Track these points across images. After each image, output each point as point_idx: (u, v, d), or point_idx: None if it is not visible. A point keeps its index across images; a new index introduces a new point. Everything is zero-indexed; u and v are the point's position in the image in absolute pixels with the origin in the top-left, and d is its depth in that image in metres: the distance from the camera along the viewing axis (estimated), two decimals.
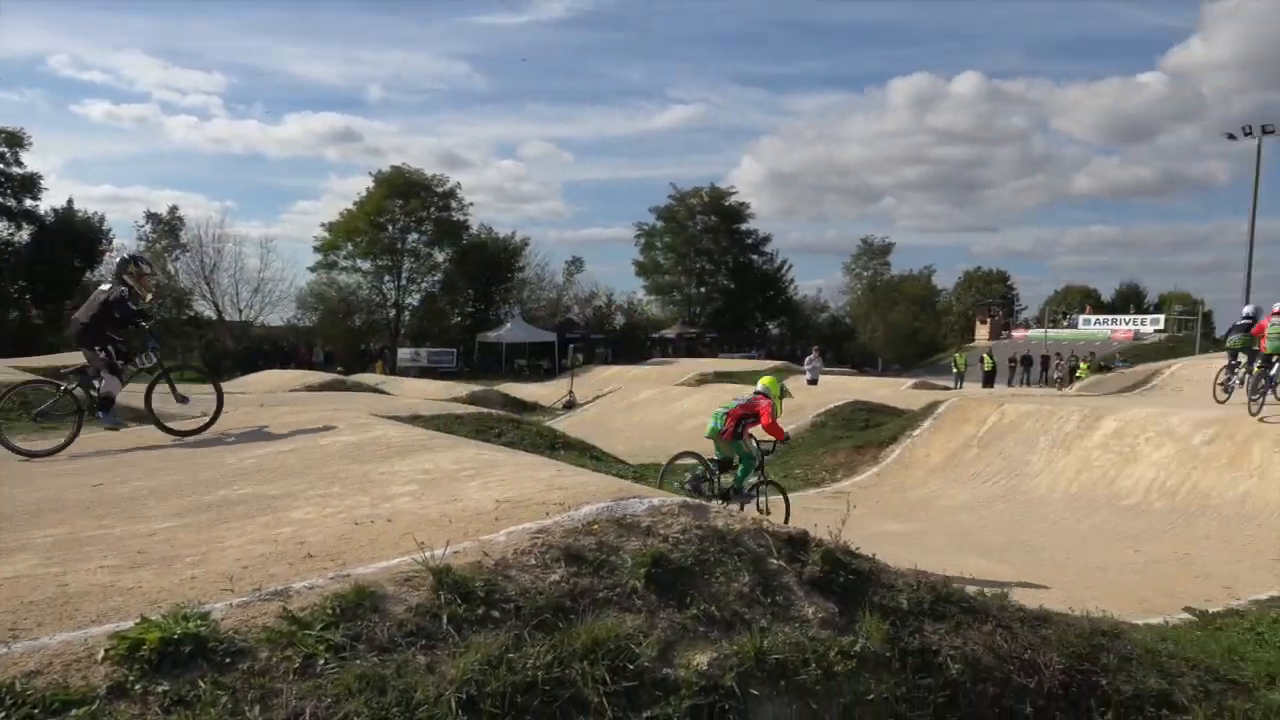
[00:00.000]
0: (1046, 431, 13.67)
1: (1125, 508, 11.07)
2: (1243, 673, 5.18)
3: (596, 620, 3.43)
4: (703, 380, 32.60)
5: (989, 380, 35.24)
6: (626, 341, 57.46)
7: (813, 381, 27.90)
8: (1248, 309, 15.03)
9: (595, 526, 3.95)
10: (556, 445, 14.44)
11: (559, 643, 3.27)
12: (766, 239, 67.18)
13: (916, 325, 69.01)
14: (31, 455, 7.54)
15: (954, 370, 36.11)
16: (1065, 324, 63.73)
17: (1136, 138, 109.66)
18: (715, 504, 4.71)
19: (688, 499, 4.50)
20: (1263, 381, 13.02)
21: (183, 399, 8.33)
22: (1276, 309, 13.44)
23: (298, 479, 5.81)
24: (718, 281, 65.54)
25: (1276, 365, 13.01)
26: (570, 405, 28.17)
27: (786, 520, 7.81)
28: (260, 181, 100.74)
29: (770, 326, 67.71)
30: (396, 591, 3.41)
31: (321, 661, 3.05)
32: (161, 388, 8.19)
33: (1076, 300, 74.78)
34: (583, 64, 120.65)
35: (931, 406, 15.97)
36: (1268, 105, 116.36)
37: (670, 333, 60.27)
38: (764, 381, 9.20)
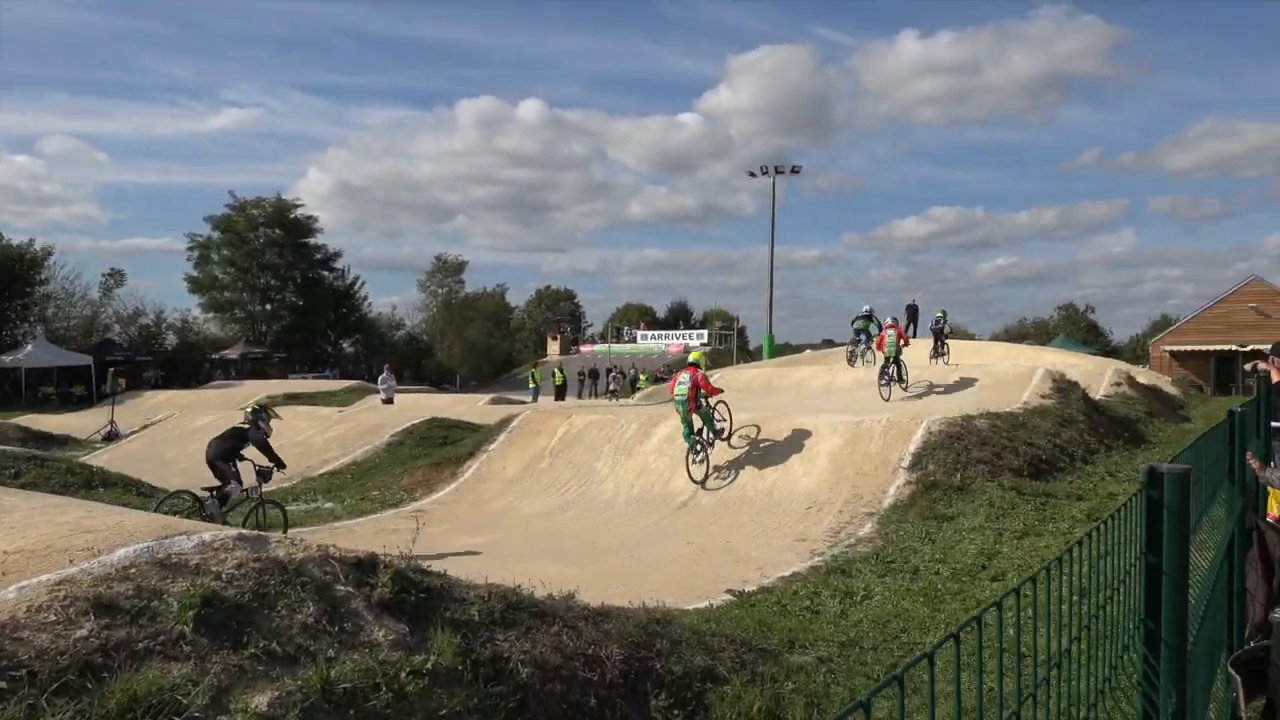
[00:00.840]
0: (610, 440, 14.62)
1: (678, 505, 12.18)
2: (770, 641, 5.98)
3: (135, 675, 3.06)
4: (272, 403, 30.55)
5: (560, 393, 37.13)
6: (181, 364, 52.24)
7: (388, 400, 27.42)
8: (866, 307, 22.30)
9: (133, 570, 3.54)
10: (94, 483, 12.74)
11: (87, 707, 2.88)
12: (337, 254, 64.92)
13: (492, 341, 70.76)
14: None
15: (530, 385, 37.56)
16: (626, 339, 69.09)
17: (680, 170, 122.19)
18: (276, 535, 4.44)
19: (243, 531, 4.19)
20: (887, 375, 18.44)
21: None
22: (889, 323, 19.21)
23: None
24: (285, 298, 61.97)
25: (893, 366, 18.64)
26: (112, 436, 25.01)
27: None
28: None
29: (344, 345, 65.50)
30: None
31: None
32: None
33: (635, 317, 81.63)
34: (119, 54, 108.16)
35: (506, 421, 16.40)
36: (782, 148, 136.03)
37: (233, 353, 55.80)
38: (693, 356, 14.30)
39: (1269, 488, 5.02)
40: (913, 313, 31.55)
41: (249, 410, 11.39)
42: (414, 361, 63.10)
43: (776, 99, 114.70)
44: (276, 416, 11.46)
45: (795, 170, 51.13)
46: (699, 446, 13.03)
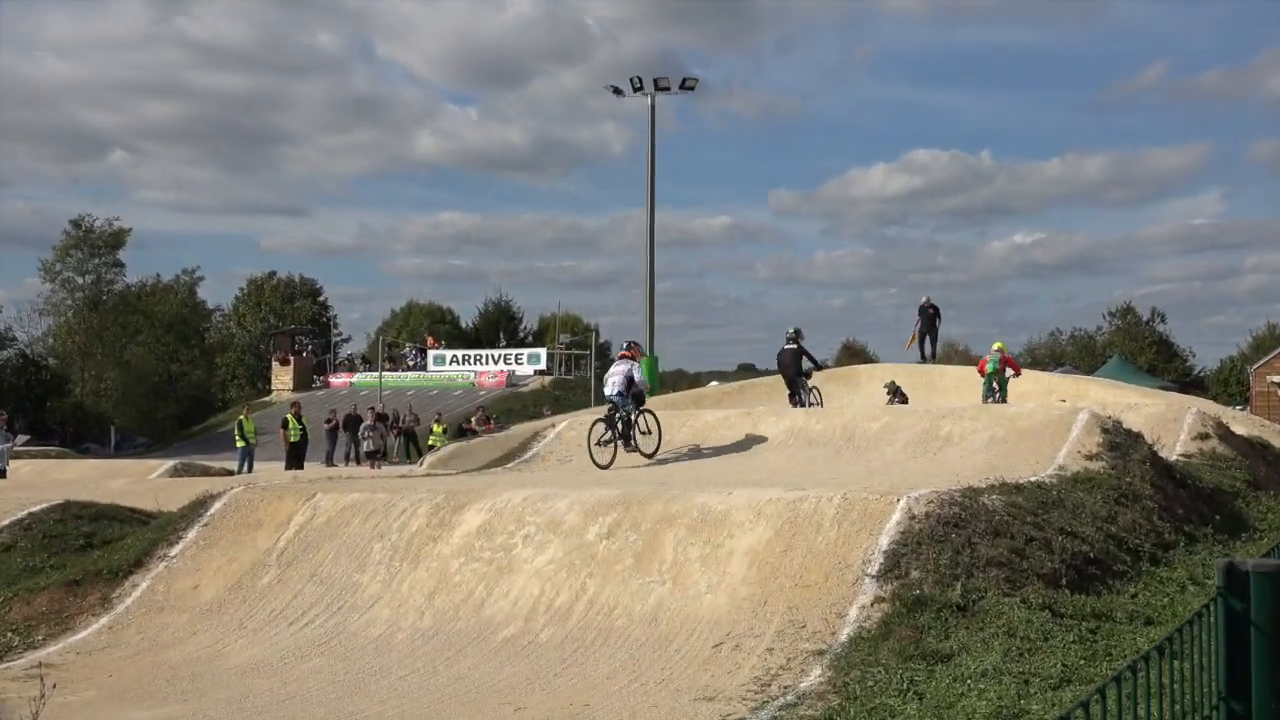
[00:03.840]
0: (384, 534, 14.34)
1: (502, 643, 12.00)
2: None
3: None
4: None
5: (296, 456, 36.19)
6: None
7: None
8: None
9: None
10: None
11: None
12: None
13: (174, 369, 69.21)
14: None
15: (241, 443, 36.40)
16: (409, 363, 68.28)
17: (500, 81, 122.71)
18: None
19: None
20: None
21: None
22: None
23: None
24: None
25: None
26: None
27: None
28: None
29: None
30: None
31: None
32: None
33: (423, 327, 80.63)
34: None
35: (200, 505, 16.03)
36: (669, 49, 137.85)
37: None
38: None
39: None
40: (930, 319, 32.52)
41: None
42: (32, 403, 60.57)
43: None
44: None
45: (689, 86, 50.27)
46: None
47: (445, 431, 42.06)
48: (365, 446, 39.82)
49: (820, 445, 19.71)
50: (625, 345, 22.80)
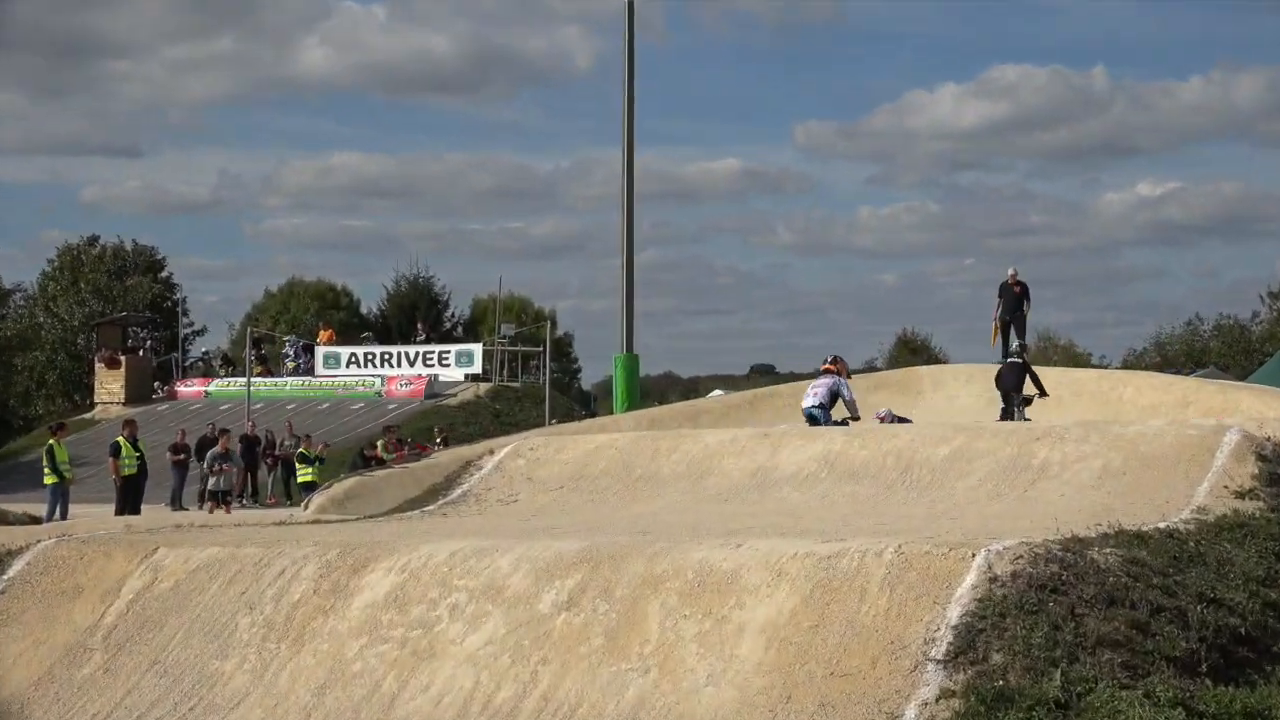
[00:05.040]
0: (254, 604, 14.32)
1: None
2: None
3: None
4: None
5: (129, 496, 35.96)
6: None
7: None
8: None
9: None
10: None
11: None
12: None
13: None
14: None
15: (50, 477, 36.11)
16: (293, 363, 67.78)
17: None
18: None
19: None
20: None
21: None
22: None
23: None
24: None
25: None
26: None
27: None
28: None
29: None
30: None
31: None
32: None
33: (308, 312, 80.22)
34: None
35: None
36: None
37: None
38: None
39: None
40: (1016, 301, 32.55)
41: None
42: None
43: None
44: None
45: None
46: None
47: (320, 464, 40.75)
48: (210, 484, 39.34)
49: (865, 479, 19.69)
50: (828, 360, 27.19)
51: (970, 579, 12.44)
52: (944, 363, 60.24)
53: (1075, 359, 79.88)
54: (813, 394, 26.02)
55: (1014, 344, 30.31)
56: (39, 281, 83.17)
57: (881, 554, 13.04)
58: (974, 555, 12.75)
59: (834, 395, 25.74)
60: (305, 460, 39.99)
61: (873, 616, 12.30)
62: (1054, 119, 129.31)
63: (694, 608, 12.87)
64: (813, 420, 25.32)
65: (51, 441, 36.85)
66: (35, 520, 31.13)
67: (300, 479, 39.94)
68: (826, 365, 26.98)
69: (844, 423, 25.80)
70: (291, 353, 69.29)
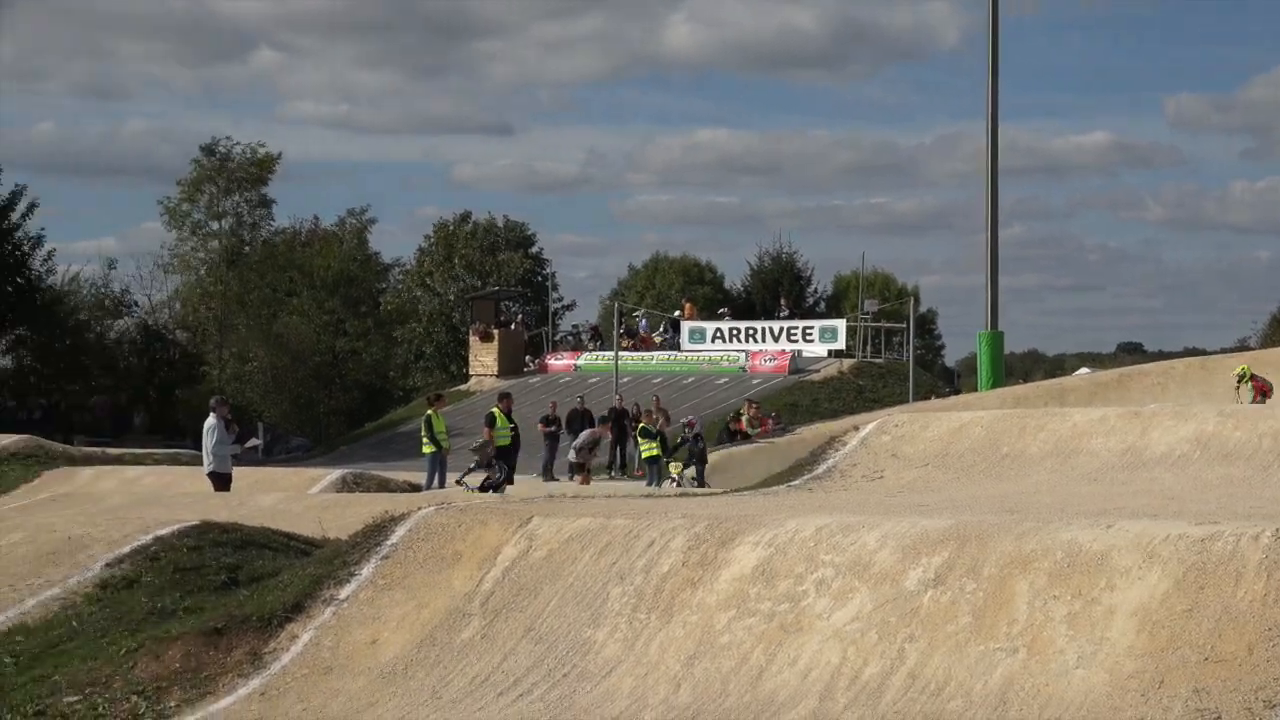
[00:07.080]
0: (624, 575, 14.46)
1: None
2: None
3: None
4: None
5: (500, 466, 36.57)
6: None
7: (219, 475, 27.72)
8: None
9: None
10: None
11: None
12: None
13: (341, 345, 70.29)
14: None
15: (428, 447, 37.00)
16: (659, 336, 68.44)
17: None
18: None
19: None
20: None
21: None
22: None
23: None
24: None
25: None
26: None
27: None
28: None
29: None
30: None
31: None
32: None
33: (673, 286, 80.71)
34: None
35: (377, 532, 16.39)
36: None
37: None
38: None
39: None
40: None
41: None
42: (157, 390, 62.69)
43: None
44: None
45: None
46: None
47: (680, 446, 40.50)
48: (572, 456, 40.08)
49: (1241, 460, 19.26)
50: None
51: None
52: None
53: None
54: None
55: None
56: (415, 257, 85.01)
57: (1258, 537, 12.71)
58: None
59: None
60: (648, 435, 39.78)
61: (1249, 602, 12.01)
62: None
63: (1063, 588, 12.68)
64: None
65: (430, 412, 37.91)
66: (414, 488, 32.02)
67: (644, 454, 39.79)
68: None
69: None
70: (667, 328, 69.95)
